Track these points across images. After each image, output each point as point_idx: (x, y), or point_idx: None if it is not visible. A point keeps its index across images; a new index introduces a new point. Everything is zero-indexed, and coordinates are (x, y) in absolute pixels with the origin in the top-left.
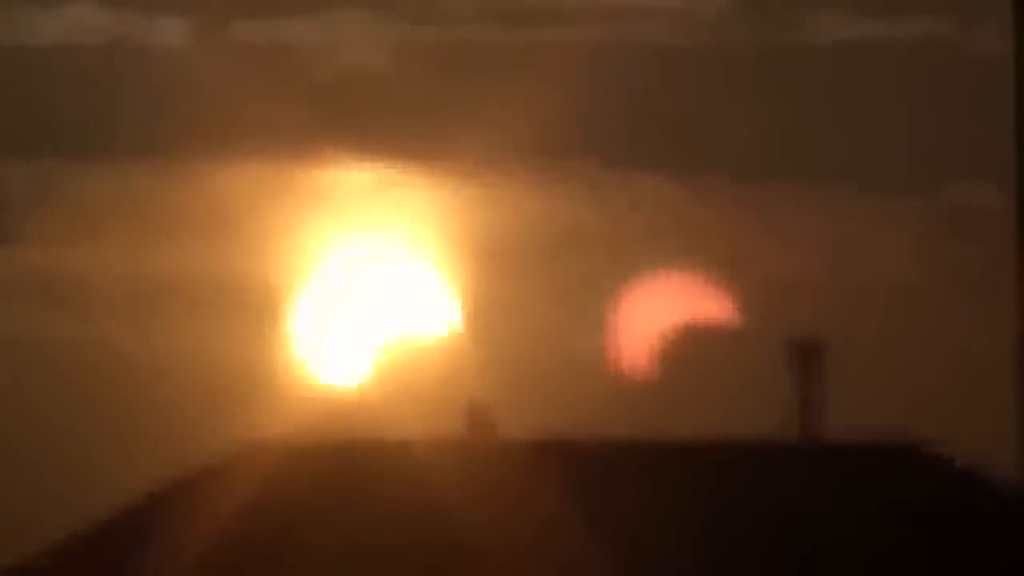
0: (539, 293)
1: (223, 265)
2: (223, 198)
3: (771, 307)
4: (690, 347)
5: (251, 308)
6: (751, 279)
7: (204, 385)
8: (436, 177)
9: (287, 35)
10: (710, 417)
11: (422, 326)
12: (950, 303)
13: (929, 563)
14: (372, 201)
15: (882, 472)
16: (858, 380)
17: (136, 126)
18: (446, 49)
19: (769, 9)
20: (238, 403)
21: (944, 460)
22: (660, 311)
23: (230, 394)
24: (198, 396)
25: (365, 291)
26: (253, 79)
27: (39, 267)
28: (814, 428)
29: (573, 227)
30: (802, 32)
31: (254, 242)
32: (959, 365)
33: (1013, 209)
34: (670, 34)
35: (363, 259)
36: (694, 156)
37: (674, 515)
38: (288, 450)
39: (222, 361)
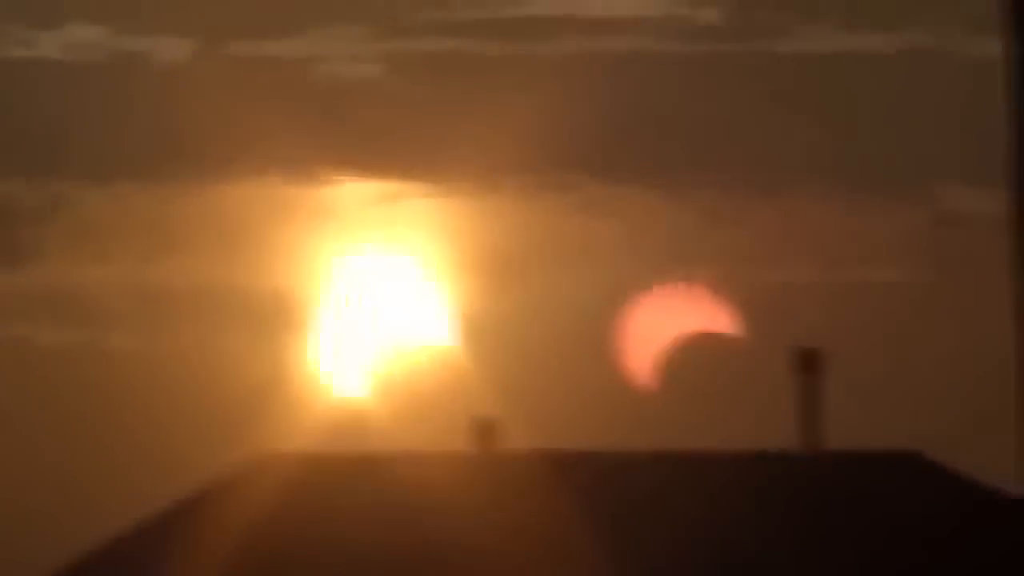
0: (540, 306)
1: (229, 280)
2: (228, 214)
3: (769, 315)
4: (691, 358)
5: (258, 322)
6: (748, 288)
7: (213, 398)
8: (435, 191)
9: (282, 52)
10: (713, 427)
11: (424, 339)
12: (946, 306)
13: (931, 569)
14: (373, 216)
15: (885, 480)
16: (858, 386)
17: (141, 144)
18: (440, 62)
19: (759, 18)
20: (246, 415)
21: (945, 467)
22: (660, 323)
23: (239, 407)
24: (207, 409)
25: (369, 305)
26: (253, 97)
27: (52, 284)
28: (816, 435)
29: (573, 240)
30: (792, 41)
31: (259, 257)
32: (958, 368)
33: (1007, 211)
34: (662, 43)
35: (366, 273)
36: (688, 166)
37: (678, 526)
38: (296, 462)
39: (230, 374)
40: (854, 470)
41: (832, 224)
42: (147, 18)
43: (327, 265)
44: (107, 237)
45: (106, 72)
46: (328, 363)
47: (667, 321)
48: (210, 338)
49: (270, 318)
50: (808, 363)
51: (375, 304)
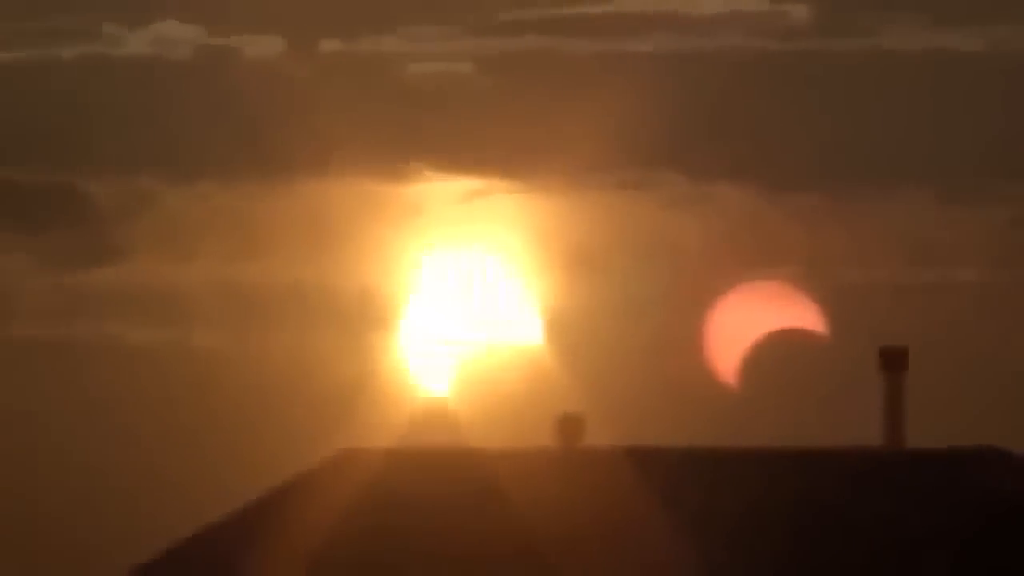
0: (625, 302)
1: (317, 278)
2: (316, 212)
3: (854, 313)
4: (776, 355)
5: (345, 320)
6: (834, 286)
7: (300, 395)
8: (522, 188)
9: (372, 50)
10: (798, 424)
11: (510, 336)
12: None
13: (1015, 564)
14: (460, 213)
15: (968, 476)
16: (941, 383)
17: (229, 142)
18: (529, 60)
19: (850, 16)
20: (334, 412)
21: None
22: (746, 320)
23: (326, 403)
24: (295, 406)
25: (457, 301)
26: (341, 95)
27: (140, 282)
28: (900, 432)
29: (659, 237)
30: (881, 39)
31: (347, 255)
32: None
33: None
34: (751, 41)
35: (455, 270)
36: (774, 164)
37: (763, 521)
38: (382, 457)
39: (318, 372)
40: (938, 466)
41: (916, 224)
42: (237, 16)
43: (414, 262)
44: (194, 235)
45: (195, 70)
46: (415, 360)
47: (753, 318)
48: (297, 336)
49: (357, 316)
50: (893, 361)
51: (461, 301)
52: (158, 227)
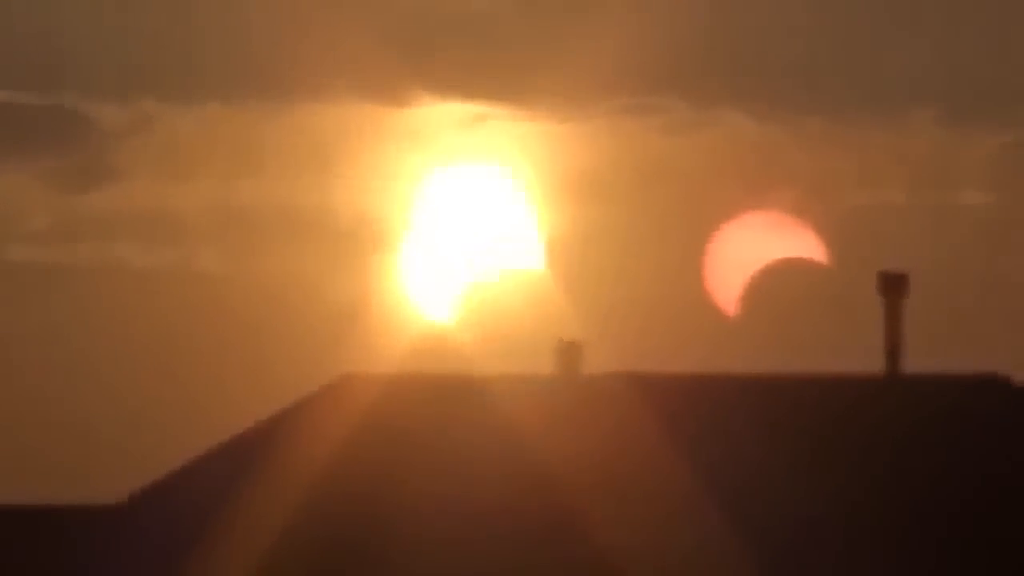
0: (627, 229)
1: (317, 201)
2: (316, 136)
3: (857, 239)
4: (777, 281)
5: (344, 244)
6: (836, 211)
7: (299, 319)
8: (523, 114)
9: None
10: (798, 350)
11: (510, 262)
12: None
13: (1013, 491)
14: (462, 138)
15: (968, 402)
16: (944, 308)
17: (231, 65)
18: None
19: None
20: (333, 337)
21: None
22: (747, 246)
23: (325, 328)
24: (293, 330)
25: (456, 226)
26: (341, 18)
27: (140, 204)
28: (901, 357)
29: (661, 164)
30: None
31: (347, 179)
32: None
33: None
34: None
35: (455, 195)
36: (776, 89)
37: (761, 447)
38: (381, 383)
39: (317, 296)
40: (938, 393)
41: (920, 147)
42: None
43: (415, 187)
44: (194, 158)
45: None
46: (414, 285)
47: (754, 245)
48: (297, 260)
49: (356, 240)
50: (893, 286)
51: (461, 226)
52: (157, 149)
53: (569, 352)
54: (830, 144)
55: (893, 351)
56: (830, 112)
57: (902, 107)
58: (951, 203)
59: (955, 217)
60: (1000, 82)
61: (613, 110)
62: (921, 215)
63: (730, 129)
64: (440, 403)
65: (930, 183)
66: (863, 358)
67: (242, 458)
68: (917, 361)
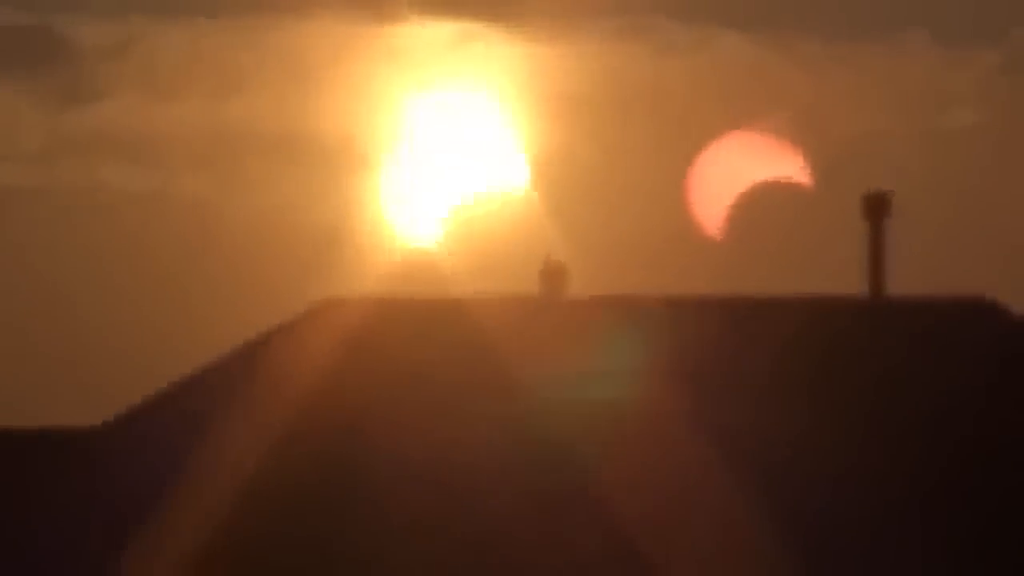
0: (615, 151)
1: (301, 121)
2: (300, 53)
3: (843, 162)
4: (762, 203)
5: (327, 165)
6: (823, 134)
7: (281, 241)
8: (510, 34)
9: None
10: (782, 272)
11: (496, 183)
12: (1020, 150)
13: (998, 416)
14: (447, 57)
15: (954, 325)
16: (931, 232)
17: None
18: None
19: None
20: (315, 259)
21: (1015, 313)
22: (733, 168)
23: (307, 250)
24: (275, 252)
25: (441, 147)
26: None
27: (122, 123)
28: (883, 280)
29: (650, 84)
30: None
31: (332, 98)
32: None
33: None
34: None
35: (439, 115)
36: (765, 10)
37: (745, 371)
38: (363, 306)
39: (299, 216)
40: (923, 315)
41: (906, 69)
42: None
43: (399, 107)
44: (177, 75)
45: None
46: (398, 207)
47: (739, 167)
48: (280, 181)
49: (340, 161)
50: (876, 207)
51: (446, 147)
52: (140, 67)
53: (555, 272)
54: (824, 65)
55: (876, 272)
56: (825, 33)
57: (890, 30)
58: (944, 126)
59: (945, 138)
60: (985, 3)
61: (604, 31)
62: (913, 138)
63: (722, 51)
64: (424, 325)
65: (917, 106)
66: (849, 281)
67: (223, 382)
68: (903, 283)
